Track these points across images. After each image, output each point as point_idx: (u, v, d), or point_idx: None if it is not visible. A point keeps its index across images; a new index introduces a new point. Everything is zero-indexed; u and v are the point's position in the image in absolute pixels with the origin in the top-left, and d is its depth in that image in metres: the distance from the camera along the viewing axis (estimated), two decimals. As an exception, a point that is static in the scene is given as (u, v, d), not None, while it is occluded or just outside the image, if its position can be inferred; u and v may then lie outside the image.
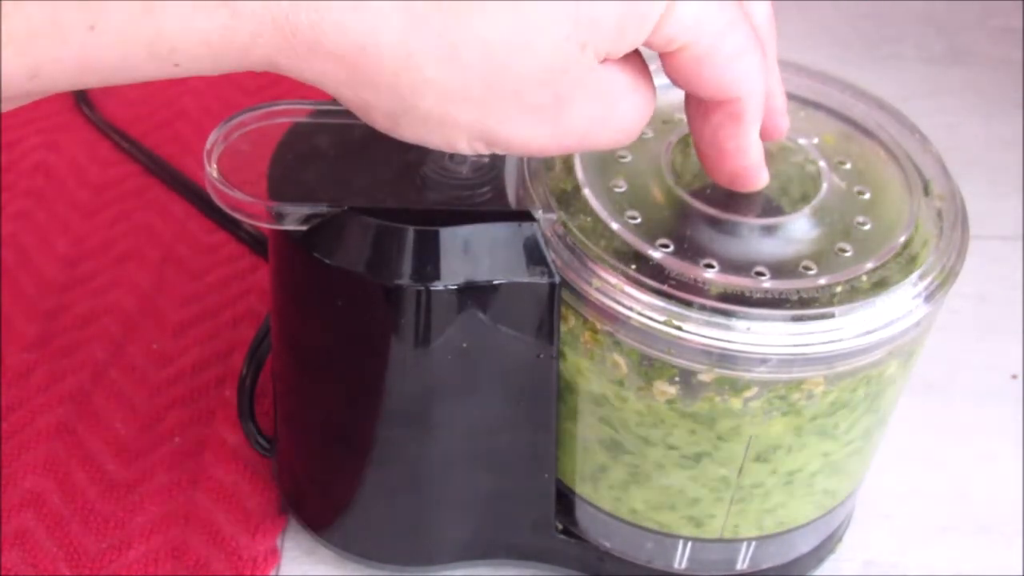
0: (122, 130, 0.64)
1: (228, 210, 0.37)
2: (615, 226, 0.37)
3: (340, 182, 0.37)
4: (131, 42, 0.27)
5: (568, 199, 0.38)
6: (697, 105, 0.35)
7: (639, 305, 0.35)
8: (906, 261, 0.37)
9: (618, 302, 0.35)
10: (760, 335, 0.34)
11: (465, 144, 0.32)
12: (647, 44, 0.31)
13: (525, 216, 0.36)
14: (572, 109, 0.31)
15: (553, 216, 0.36)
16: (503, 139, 0.32)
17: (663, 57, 0.32)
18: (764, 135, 0.35)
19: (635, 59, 0.32)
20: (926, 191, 0.39)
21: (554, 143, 0.32)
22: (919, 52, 0.78)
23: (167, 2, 0.27)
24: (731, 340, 0.34)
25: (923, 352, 0.40)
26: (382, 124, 0.32)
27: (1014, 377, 0.55)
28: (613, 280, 0.35)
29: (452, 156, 0.38)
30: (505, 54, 0.29)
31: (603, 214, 0.37)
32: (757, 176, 0.36)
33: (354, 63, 0.29)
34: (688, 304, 0.34)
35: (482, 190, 0.37)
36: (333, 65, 0.29)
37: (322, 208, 0.36)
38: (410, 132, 0.32)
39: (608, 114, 0.32)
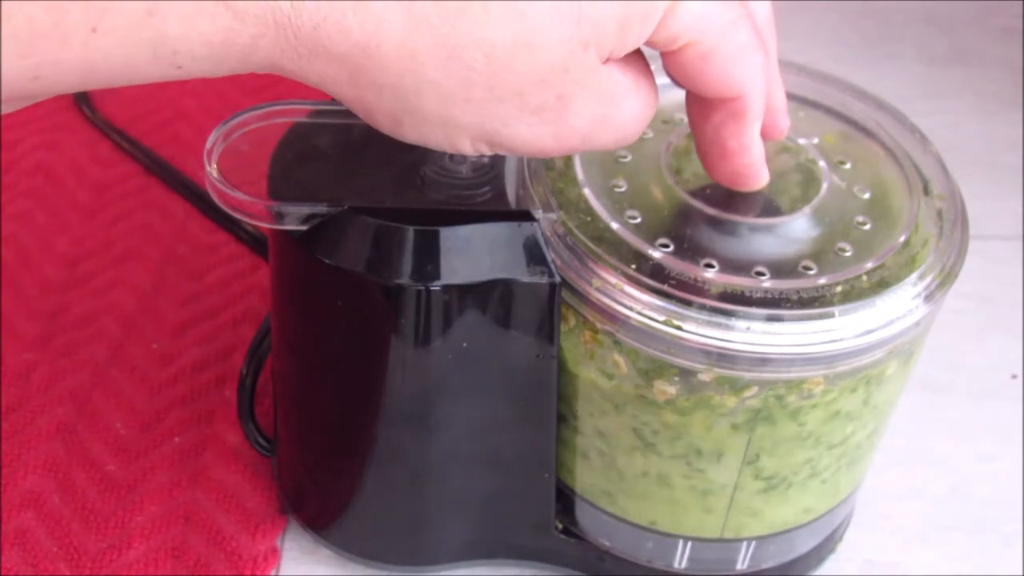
0: (122, 130, 0.64)
1: (228, 210, 0.37)
2: (615, 226, 0.37)
3: (340, 182, 0.37)
4: (133, 44, 0.27)
5: (568, 199, 0.38)
6: (698, 104, 0.35)
7: (639, 305, 0.35)
8: (906, 261, 0.37)
9: (618, 302, 0.35)
10: (760, 335, 0.34)
11: (468, 145, 0.32)
12: (650, 43, 0.31)
13: (525, 216, 0.36)
14: (574, 109, 0.31)
15: (553, 216, 0.36)
16: (506, 140, 0.32)
17: (665, 56, 0.32)
18: (764, 134, 0.35)
19: (637, 59, 0.32)
20: (926, 191, 0.39)
21: (556, 143, 0.32)
22: (919, 52, 0.78)
23: (169, 5, 0.27)
24: (731, 340, 0.34)
25: (923, 352, 0.40)
26: (384, 125, 0.32)
27: (1014, 377, 0.55)
28: (613, 280, 0.35)
29: (452, 156, 0.38)
30: (507, 55, 0.29)
31: (603, 214, 0.37)
32: (758, 175, 0.36)
33: (357, 65, 0.29)
34: (688, 304, 0.34)
35: (482, 190, 0.37)
36: (335, 67, 0.29)
37: (322, 208, 0.36)
38: (412, 133, 0.32)
39: (611, 114, 0.32)
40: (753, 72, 0.33)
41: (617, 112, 0.32)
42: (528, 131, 0.31)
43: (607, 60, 0.31)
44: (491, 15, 0.29)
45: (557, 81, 0.30)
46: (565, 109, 0.31)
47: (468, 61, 0.29)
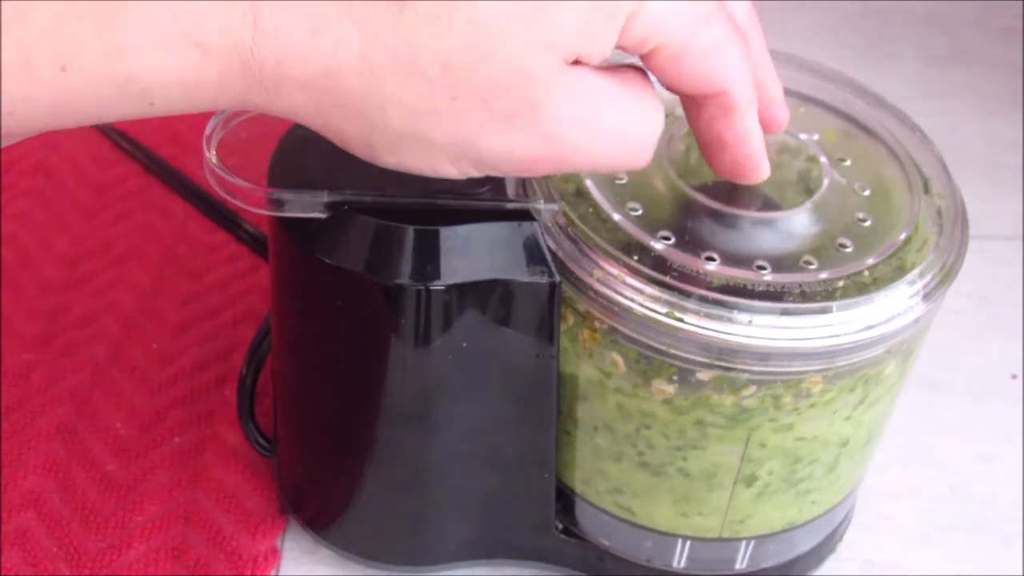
0: (122, 130, 0.64)
1: (225, 195, 0.36)
2: (617, 217, 0.37)
3: (341, 172, 0.37)
4: (103, 82, 0.28)
5: (569, 190, 0.37)
6: (690, 100, 0.34)
7: (641, 296, 0.35)
8: (906, 258, 0.37)
9: (620, 293, 0.35)
10: (760, 328, 0.34)
11: (450, 165, 0.31)
12: (621, 47, 0.31)
13: (525, 215, 0.36)
14: (548, 114, 0.31)
15: (555, 207, 0.36)
16: (485, 153, 0.31)
17: (643, 59, 0.32)
18: (762, 128, 0.35)
19: (628, 71, 0.32)
20: (926, 189, 0.39)
21: (541, 151, 0.31)
22: (919, 52, 0.78)
23: (138, 43, 0.27)
24: (732, 333, 0.34)
25: (923, 352, 0.40)
26: (361, 150, 0.31)
27: (1014, 377, 0.55)
28: (615, 271, 0.35)
29: None
30: (465, 64, 0.29)
31: (605, 205, 0.37)
32: (758, 166, 0.35)
33: (320, 89, 0.29)
34: (689, 296, 0.34)
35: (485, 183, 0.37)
36: (301, 95, 0.29)
37: (321, 196, 0.36)
38: (389, 156, 0.31)
39: (591, 119, 0.31)
40: (732, 66, 0.32)
41: (599, 117, 0.31)
42: (504, 141, 0.31)
43: (579, 63, 0.30)
44: (443, 26, 0.29)
45: (523, 85, 0.30)
46: (537, 113, 0.30)
47: (428, 74, 0.29)
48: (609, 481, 0.41)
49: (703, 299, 0.34)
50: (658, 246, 0.36)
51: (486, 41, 0.29)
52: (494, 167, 0.32)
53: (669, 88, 0.33)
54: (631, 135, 0.33)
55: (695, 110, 0.34)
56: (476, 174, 0.32)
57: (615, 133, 0.32)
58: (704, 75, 0.32)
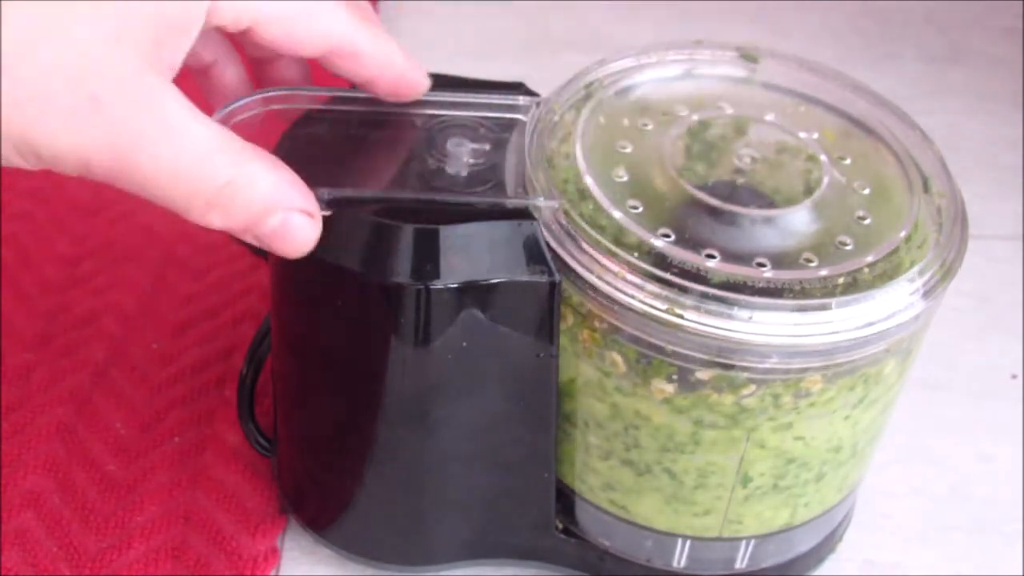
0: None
1: None
2: (617, 215, 0.36)
3: (341, 171, 0.37)
4: None
5: (570, 188, 0.37)
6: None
7: (641, 293, 0.35)
8: (905, 256, 0.37)
9: (620, 290, 0.35)
10: (760, 325, 0.34)
11: (16, 157, 0.29)
12: (220, 29, 0.31)
13: (525, 214, 0.36)
14: (114, 115, 0.28)
15: (555, 204, 0.36)
16: (45, 148, 0.29)
17: (244, 35, 0.32)
18: (403, 93, 0.36)
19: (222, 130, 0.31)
20: (926, 188, 0.39)
21: (99, 152, 0.29)
22: (919, 52, 0.78)
23: None
24: (732, 329, 0.34)
25: (923, 351, 0.40)
26: None
27: (1014, 377, 0.55)
28: (615, 268, 0.35)
29: (448, 142, 0.38)
30: (25, 50, 0.27)
31: (605, 203, 0.37)
32: (417, 77, 0.36)
33: None
34: (690, 292, 0.34)
35: (483, 181, 0.37)
36: None
37: (322, 194, 0.36)
38: None
39: (158, 131, 0.29)
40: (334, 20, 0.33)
41: (169, 130, 0.29)
42: (67, 138, 0.28)
43: (160, 71, 0.29)
44: (5, 11, 0.27)
45: (88, 79, 0.28)
46: (101, 113, 0.28)
47: None
48: (608, 480, 0.41)
49: (703, 295, 0.34)
50: (658, 243, 0.36)
51: (50, 23, 0.27)
52: (55, 159, 0.29)
53: (286, 51, 0.34)
54: (201, 171, 0.31)
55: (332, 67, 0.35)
56: (41, 166, 0.30)
57: (188, 166, 0.30)
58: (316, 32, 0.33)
